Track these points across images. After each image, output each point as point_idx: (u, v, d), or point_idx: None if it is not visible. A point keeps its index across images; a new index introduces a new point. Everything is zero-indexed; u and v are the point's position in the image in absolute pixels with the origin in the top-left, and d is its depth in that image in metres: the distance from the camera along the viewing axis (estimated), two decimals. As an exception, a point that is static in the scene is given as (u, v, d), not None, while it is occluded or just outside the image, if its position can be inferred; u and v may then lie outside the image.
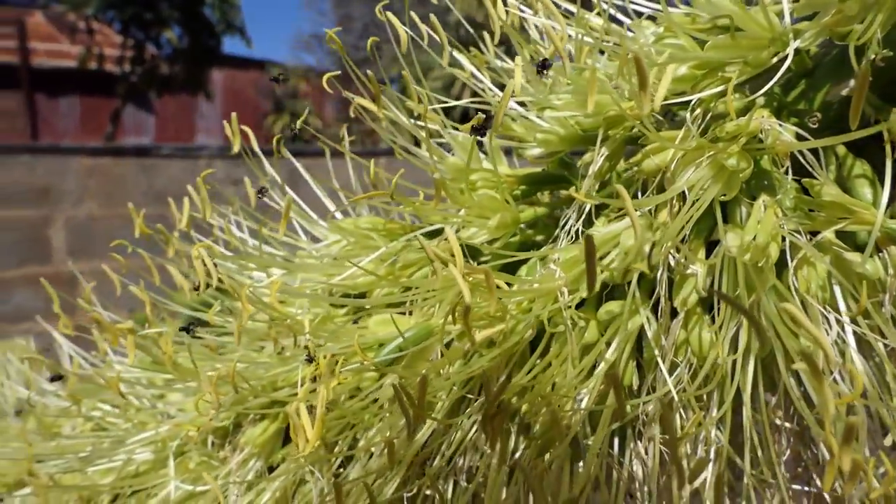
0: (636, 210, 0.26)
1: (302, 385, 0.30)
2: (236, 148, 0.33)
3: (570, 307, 0.26)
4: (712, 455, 0.26)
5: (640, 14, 0.32)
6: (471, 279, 0.24)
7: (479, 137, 0.27)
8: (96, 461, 0.37)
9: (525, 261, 0.30)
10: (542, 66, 0.27)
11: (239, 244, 0.33)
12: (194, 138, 8.89)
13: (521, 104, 0.34)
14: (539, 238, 0.33)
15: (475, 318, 0.26)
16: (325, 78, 0.35)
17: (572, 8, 0.32)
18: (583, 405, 0.26)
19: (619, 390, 0.24)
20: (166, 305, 0.39)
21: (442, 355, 0.27)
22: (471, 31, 0.39)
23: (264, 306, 0.27)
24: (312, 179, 0.39)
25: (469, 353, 0.28)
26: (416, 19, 0.37)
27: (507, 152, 0.35)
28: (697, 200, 0.25)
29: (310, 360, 0.27)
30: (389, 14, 0.36)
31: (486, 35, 0.36)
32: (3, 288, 3.44)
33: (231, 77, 8.87)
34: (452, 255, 0.23)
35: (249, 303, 0.25)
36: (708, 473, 0.26)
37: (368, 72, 0.30)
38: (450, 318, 0.26)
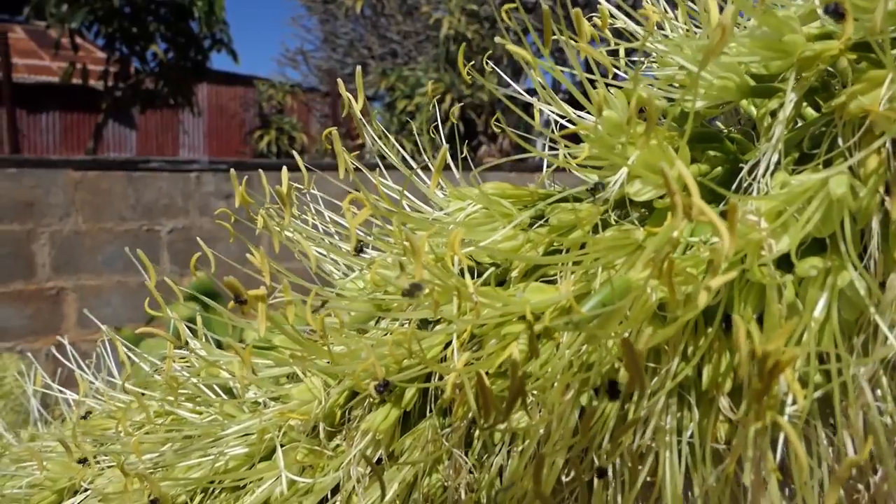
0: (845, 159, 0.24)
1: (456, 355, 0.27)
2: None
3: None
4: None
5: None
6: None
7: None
8: (190, 455, 0.34)
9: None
10: None
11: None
12: (177, 154, 8.80)
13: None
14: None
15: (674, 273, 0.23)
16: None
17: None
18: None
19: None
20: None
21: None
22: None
23: (442, 268, 0.24)
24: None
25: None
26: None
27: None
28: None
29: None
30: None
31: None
32: (-14, 305, 3.34)
33: (216, 92, 8.81)
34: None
35: (424, 252, 0.22)
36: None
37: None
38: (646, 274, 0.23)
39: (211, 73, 6.97)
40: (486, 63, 0.38)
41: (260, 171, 0.37)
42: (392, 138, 0.36)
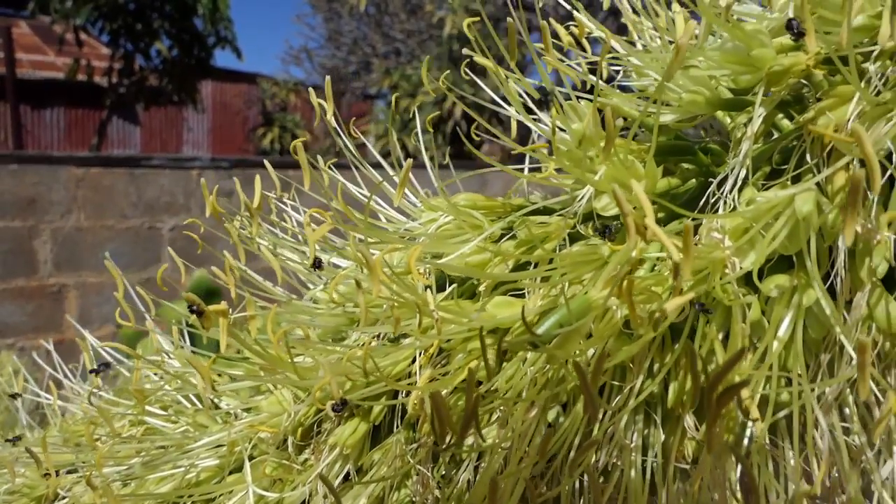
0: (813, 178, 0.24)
1: (418, 372, 0.27)
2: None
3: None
4: None
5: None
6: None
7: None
8: (160, 468, 0.34)
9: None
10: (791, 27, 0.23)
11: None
12: (181, 151, 8.81)
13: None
14: (660, 215, 0.30)
15: (635, 292, 0.23)
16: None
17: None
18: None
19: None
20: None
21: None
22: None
23: (402, 284, 0.23)
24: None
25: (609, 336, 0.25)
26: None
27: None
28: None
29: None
30: None
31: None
32: (-13, 301, 3.35)
33: (220, 90, 8.81)
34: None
35: (380, 277, 0.22)
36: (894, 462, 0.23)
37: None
38: (606, 292, 0.23)
39: (215, 71, 6.96)
40: (465, 73, 0.38)
41: (234, 179, 0.36)
42: (379, 141, 0.36)
